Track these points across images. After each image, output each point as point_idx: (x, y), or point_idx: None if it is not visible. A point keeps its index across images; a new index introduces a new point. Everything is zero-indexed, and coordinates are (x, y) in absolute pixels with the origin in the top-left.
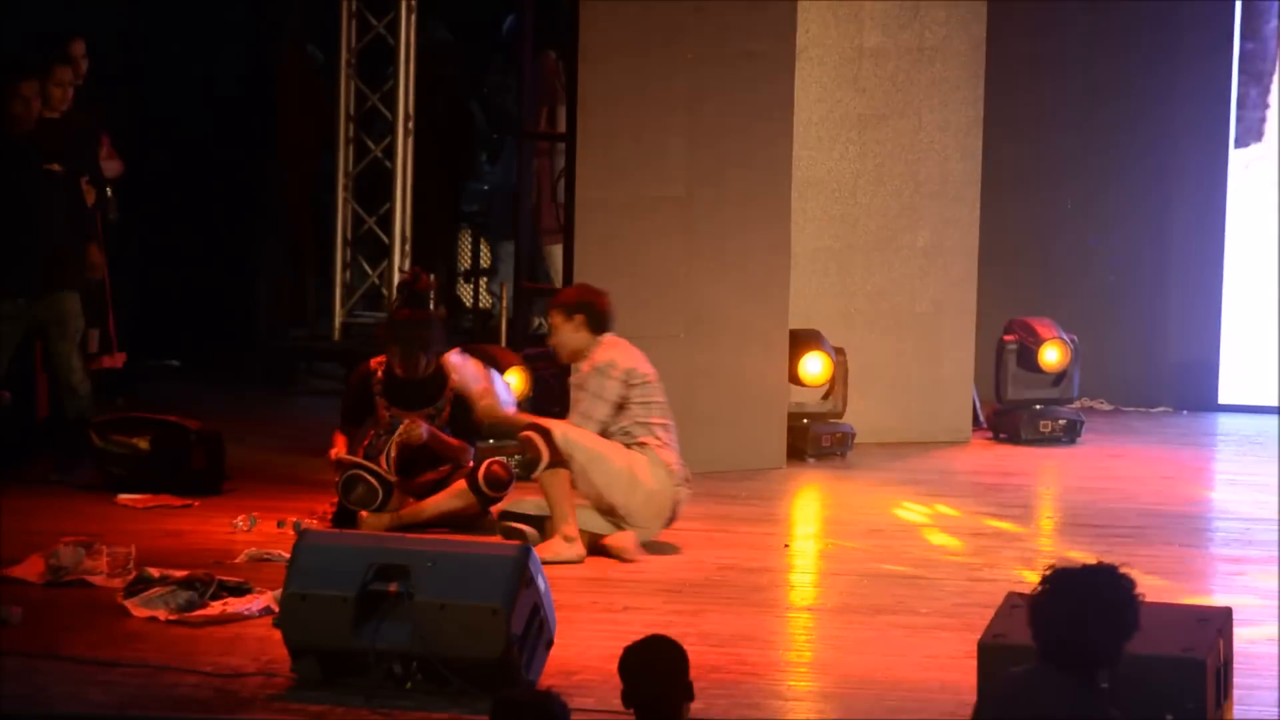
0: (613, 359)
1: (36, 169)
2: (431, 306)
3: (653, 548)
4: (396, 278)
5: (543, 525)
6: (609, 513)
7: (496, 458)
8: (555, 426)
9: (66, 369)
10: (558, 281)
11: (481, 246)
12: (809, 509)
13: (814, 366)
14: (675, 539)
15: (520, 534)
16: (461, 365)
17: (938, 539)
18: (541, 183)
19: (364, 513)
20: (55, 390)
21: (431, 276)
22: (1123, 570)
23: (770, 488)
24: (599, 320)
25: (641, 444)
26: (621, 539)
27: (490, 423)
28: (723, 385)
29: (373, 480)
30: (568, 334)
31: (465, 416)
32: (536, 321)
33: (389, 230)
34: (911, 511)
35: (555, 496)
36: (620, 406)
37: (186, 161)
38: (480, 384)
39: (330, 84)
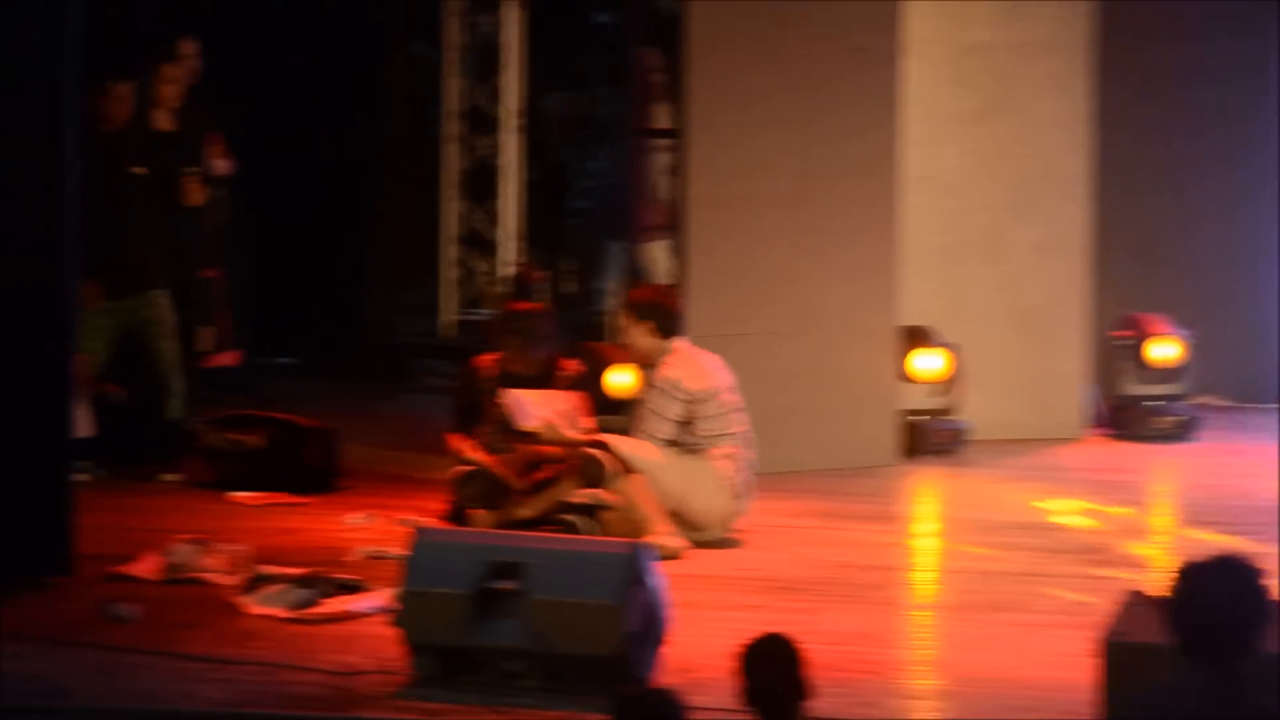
0: (678, 379)
1: (120, 171)
2: (541, 300)
3: (768, 546)
4: (506, 274)
5: (595, 515)
6: (677, 517)
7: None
8: (611, 440)
9: (168, 366)
10: (656, 280)
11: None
12: (924, 506)
13: (929, 362)
14: (791, 537)
15: (571, 525)
16: (516, 405)
17: (1054, 536)
18: (640, 180)
19: (480, 511)
20: (154, 389)
21: (542, 271)
22: (1251, 558)
23: (884, 485)
24: (668, 325)
25: (703, 453)
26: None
27: (558, 446)
28: (833, 382)
29: (487, 477)
30: (637, 338)
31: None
32: None
33: (498, 227)
34: (1027, 508)
35: (638, 500)
36: (686, 422)
37: (297, 159)
38: (538, 417)
39: (437, 80)
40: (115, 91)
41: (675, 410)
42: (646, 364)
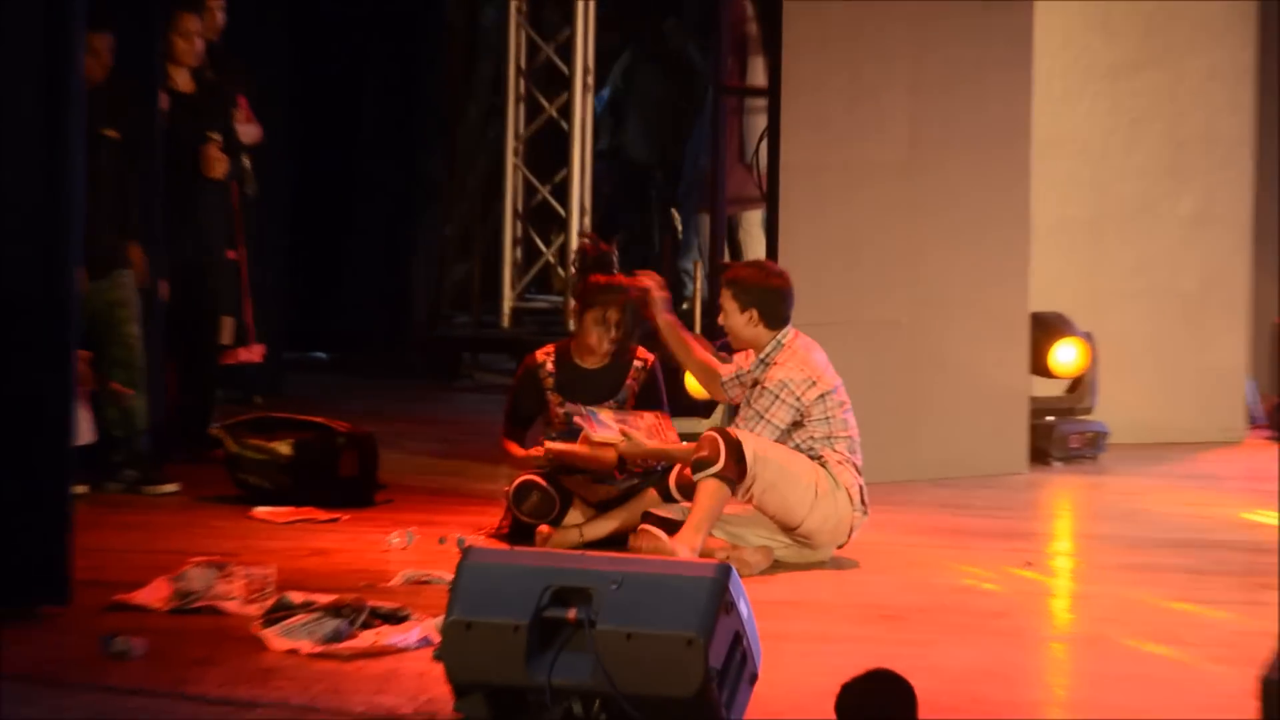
0: (787, 380)
1: (92, 134)
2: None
3: (876, 567)
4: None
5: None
6: (790, 531)
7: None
8: (746, 440)
9: (139, 353)
10: (750, 255)
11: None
12: (1057, 521)
13: (1067, 355)
14: (902, 557)
15: (652, 538)
16: (587, 418)
17: (1209, 555)
18: (729, 143)
19: (543, 527)
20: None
21: (608, 242)
22: None
23: (1011, 496)
24: (776, 317)
25: (821, 458)
26: (752, 553)
27: (647, 457)
28: (953, 378)
29: (549, 488)
30: (740, 326)
31: (655, 407)
32: None
33: (565, 200)
34: (1177, 523)
35: (706, 507)
36: (797, 424)
37: (339, 129)
38: (614, 429)
39: (500, 36)
40: (91, 44)
41: (786, 416)
42: (751, 349)
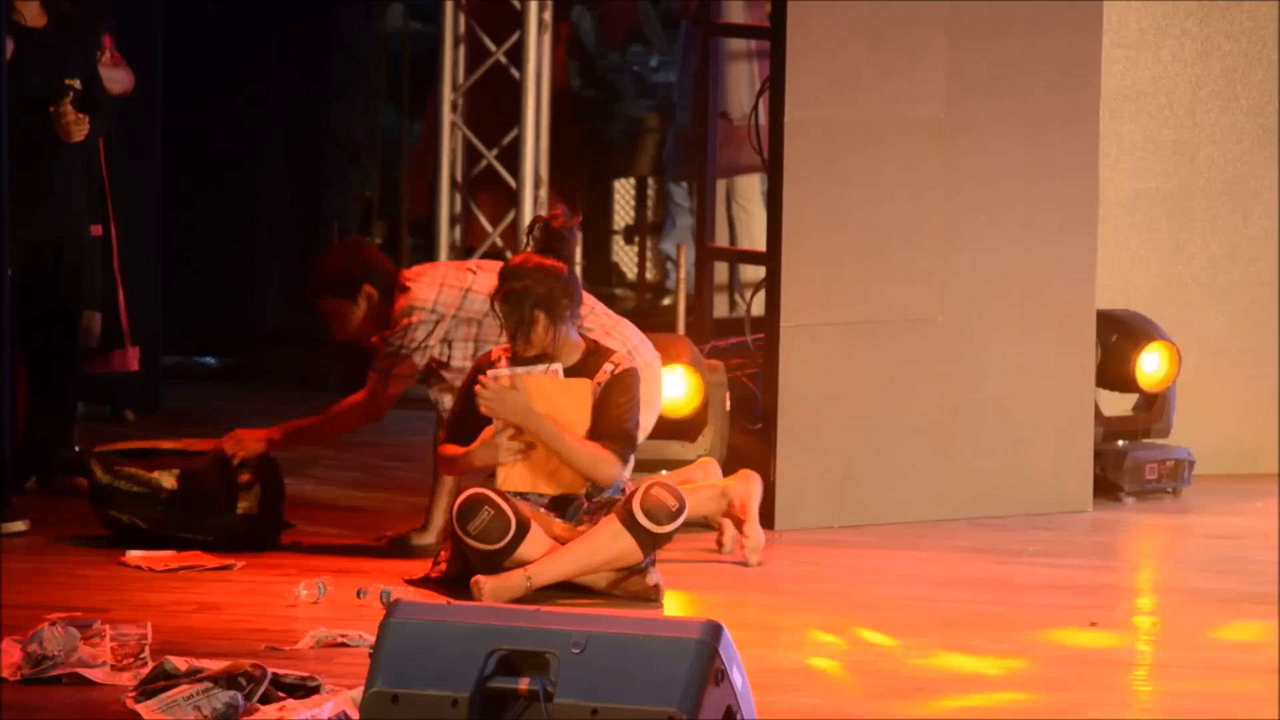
0: (408, 303)
1: None
2: (572, 255)
3: (899, 626)
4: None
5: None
6: None
7: (659, 477)
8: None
9: None
10: (747, 239)
11: (650, 191)
12: (1131, 570)
13: (1151, 364)
14: (932, 615)
15: (646, 594)
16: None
17: None
18: (715, 98)
19: (478, 578)
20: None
21: (577, 217)
22: None
23: (1070, 541)
24: (386, 279)
25: None
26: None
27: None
28: (999, 391)
29: (504, 507)
30: (355, 319)
31: (610, 419)
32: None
33: (516, 167)
34: None
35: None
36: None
37: (229, 73)
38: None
39: None
40: None
41: (416, 344)
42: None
